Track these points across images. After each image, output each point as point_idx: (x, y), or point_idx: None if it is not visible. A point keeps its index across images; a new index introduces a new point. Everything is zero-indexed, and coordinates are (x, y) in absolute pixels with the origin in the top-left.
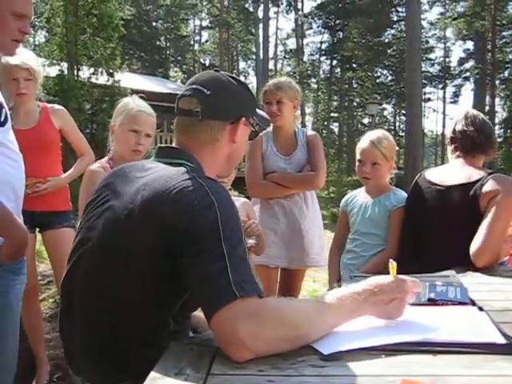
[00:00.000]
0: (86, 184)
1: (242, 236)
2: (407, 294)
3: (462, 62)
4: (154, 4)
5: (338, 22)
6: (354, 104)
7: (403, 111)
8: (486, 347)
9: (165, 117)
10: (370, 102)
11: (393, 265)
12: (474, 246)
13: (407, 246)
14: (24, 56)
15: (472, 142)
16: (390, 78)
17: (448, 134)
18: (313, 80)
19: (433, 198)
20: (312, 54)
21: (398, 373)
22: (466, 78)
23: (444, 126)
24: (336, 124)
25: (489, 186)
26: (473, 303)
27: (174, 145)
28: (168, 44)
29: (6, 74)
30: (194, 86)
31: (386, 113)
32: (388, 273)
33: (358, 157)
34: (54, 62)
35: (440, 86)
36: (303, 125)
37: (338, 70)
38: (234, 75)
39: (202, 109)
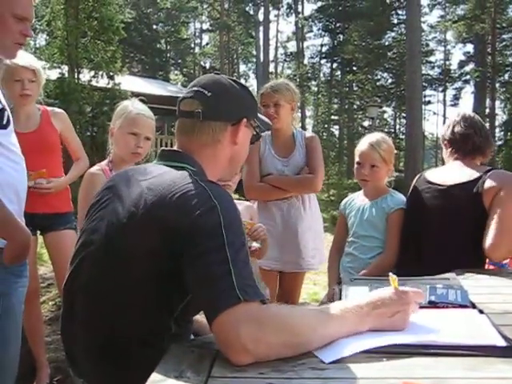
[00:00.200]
0: (85, 186)
1: (245, 240)
2: (410, 306)
3: (462, 64)
4: (154, 7)
5: (338, 24)
6: (355, 107)
7: (403, 114)
8: (487, 350)
9: (165, 119)
10: (370, 104)
11: (393, 278)
12: (489, 240)
13: (408, 248)
14: (27, 57)
15: (473, 144)
16: (390, 80)
17: (445, 135)
18: (313, 83)
19: (434, 198)
20: (312, 57)
21: (399, 375)
22: (466, 81)
23: None
24: (336, 127)
25: (491, 182)
26: (473, 306)
27: (175, 147)
28: (168, 47)
29: (10, 74)
30: (195, 89)
31: (386, 115)
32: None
33: (356, 159)
34: (55, 64)
35: (440, 89)
36: (303, 128)
37: (339, 72)
38: (235, 78)
39: (204, 110)
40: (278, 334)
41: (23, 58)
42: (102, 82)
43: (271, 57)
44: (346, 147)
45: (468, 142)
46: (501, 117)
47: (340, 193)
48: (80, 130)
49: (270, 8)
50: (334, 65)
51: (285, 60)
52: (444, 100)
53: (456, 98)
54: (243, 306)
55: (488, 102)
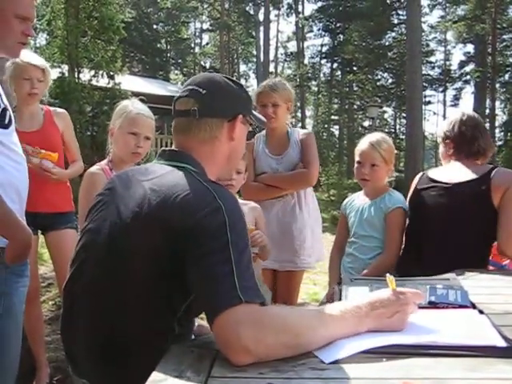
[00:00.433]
0: (85, 186)
1: (248, 242)
2: (409, 306)
3: (462, 65)
4: (154, 7)
5: (338, 24)
6: (355, 107)
7: (404, 114)
8: (487, 350)
9: (165, 119)
10: (370, 104)
11: (390, 279)
12: (503, 237)
13: (412, 247)
14: (37, 57)
15: (478, 146)
16: (390, 80)
17: (447, 133)
18: (313, 83)
19: (440, 196)
20: (312, 57)
21: (399, 376)
22: (467, 81)
23: None
24: (336, 127)
25: (499, 179)
26: (473, 306)
27: (173, 147)
28: (169, 47)
29: (20, 72)
30: (189, 87)
31: (386, 116)
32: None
33: (357, 158)
34: (55, 64)
35: (440, 89)
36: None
37: (339, 72)
38: (229, 76)
39: (199, 107)
40: (277, 335)
41: (33, 57)
42: (103, 81)
43: (271, 57)
44: (346, 147)
45: (474, 143)
46: (501, 117)
47: (340, 193)
48: (80, 129)
49: (271, 8)
50: (335, 65)
51: (285, 60)
52: (444, 100)
53: (456, 98)
54: (244, 307)
55: (488, 102)
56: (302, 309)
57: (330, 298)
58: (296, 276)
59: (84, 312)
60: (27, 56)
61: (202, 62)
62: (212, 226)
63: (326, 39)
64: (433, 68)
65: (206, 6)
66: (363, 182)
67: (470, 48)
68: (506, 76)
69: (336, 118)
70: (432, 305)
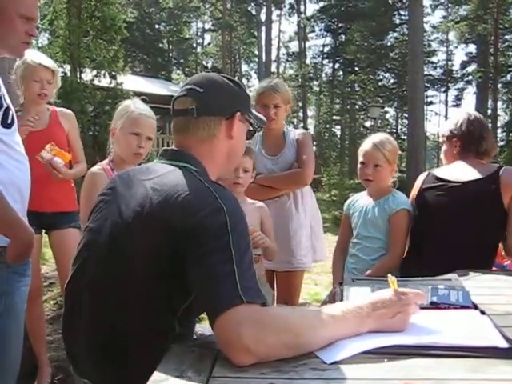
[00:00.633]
0: (87, 186)
1: (250, 242)
2: (410, 306)
3: (464, 65)
4: (156, 6)
5: (340, 25)
6: (356, 107)
7: (405, 114)
8: (488, 351)
9: (167, 119)
10: (372, 105)
11: (392, 279)
12: None
13: (418, 247)
14: (46, 58)
15: (486, 146)
16: (392, 81)
17: (453, 132)
18: (315, 83)
19: (449, 195)
20: (314, 57)
21: (400, 376)
22: (469, 82)
23: None
24: (338, 127)
25: (508, 178)
26: (475, 307)
27: (173, 146)
28: (171, 46)
29: (30, 73)
30: (187, 87)
31: (388, 116)
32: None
33: (360, 159)
34: (57, 64)
35: (442, 90)
36: (305, 128)
37: (341, 72)
38: (227, 75)
39: (197, 106)
40: (278, 335)
41: (43, 58)
42: (104, 81)
43: (273, 57)
44: (347, 147)
45: (482, 143)
46: (503, 117)
47: (341, 193)
48: (82, 129)
49: (273, 8)
50: (336, 65)
51: (287, 60)
52: (446, 100)
53: (458, 98)
54: (245, 307)
55: (490, 102)
56: (303, 309)
57: (333, 297)
58: (295, 276)
59: (85, 311)
60: (38, 57)
61: (204, 62)
62: (213, 226)
63: (328, 39)
64: (435, 68)
65: (207, 5)
66: (366, 182)
67: (472, 48)
68: (508, 76)
69: (338, 118)
70: (433, 305)
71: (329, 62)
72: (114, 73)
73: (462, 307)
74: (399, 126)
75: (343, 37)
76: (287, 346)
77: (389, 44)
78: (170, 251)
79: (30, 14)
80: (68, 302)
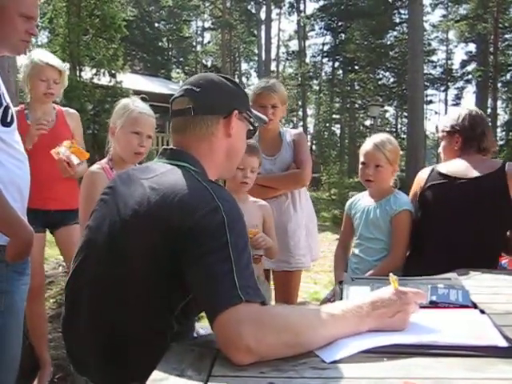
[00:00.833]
0: (86, 185)
1: (248, 241)
2: (410, 306)
3: (464, 64)
4: (156, 5)
5: (340, 23)
6: (356, 106)
7: (405, 113)
8: (488, 350)
9: (166, 118)
10: (371, 104)
11: (393, 278)
12: None
13: (420, 246)
14: (54, 58)
15: (487, 141)
16: (392, 80)
17: (455, 127)
18: (315, 82)
19: (458, 192)
20: (314, 56)
21: (400, 375)
22: (468, 81)
23: None
24: (338, 126)
25: None
26: (474, 306)
27: (173, 146)
28: (170, 45)
29: (37, 72)
30: (184, 87)
31: (387, 115)
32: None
33: (361, 159)
34: None
35: (442, 89)
36: (305, 127)
37: (340, 71)
38: (225, 75)
39: (194, 105)
40: (278, 334)
41: (51, 57)
42: (104, 79)
43: (273, 55)
44: (347, 146)
45: (483, 139)
46: (502, 116)
47: (341, 192)
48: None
49: (272, 6)
50: (336, 64)
51: (286, 59)
52: (446, 99)
53: (458, 97)
54: (244, 306)
55: (490, 101)
56: (303, 308)
57: (332, 297)
58: (293, 276)
59: (84, 310)
60: (45, 56)
61: (204, 61)
62: (211, 225)
63: (328, 38)
64: (434, 67)
65: (207, 4)
66: (368, 182)
67: (472, 47)
68: (508, 75)
69: (337, 116)
70: (433, 304)
71: (328, 61)
72: (113, 71)
73: (462, 306)
74: (399, 125)
75: (343, 35)
76: (287, 345)
77: (389, 43)
78: (169, 251)
79: (30, 12)
80: (68, 301)
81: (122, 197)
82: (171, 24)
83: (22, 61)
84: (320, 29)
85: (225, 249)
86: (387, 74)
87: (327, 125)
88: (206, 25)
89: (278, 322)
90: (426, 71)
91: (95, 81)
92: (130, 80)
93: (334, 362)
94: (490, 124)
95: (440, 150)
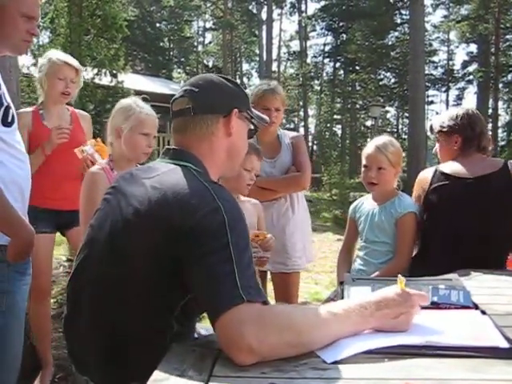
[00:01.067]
0: (87, 185)
1: (249, 241)
2: (414, 308)
3: (465, 64)
4: (157, 5)
5: (341, 24)
6: (357, 106)
7: (406, 114)
8: (489, 351)
9: (167, 118)
10: (372, 104)
11: (401, 279)
12: None
13: (426, 247)
14: (71, 58)
15: (485, 141)
16: (393, 80)
17: (454, 127)
18: (316, 82)
19: (465, 191)
20: (315, 56)
21: (401, 376)
22: (470, 81)
23: None
24: (339, 126)
25: None
26: (476, 307)
27: (175, 146)
28: (171, 45)
29: (54, 71)
30: (184, 88)
31: (388, 115)
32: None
33: (363, 162)
34: None
35: (443, 89)
36: (306, 127)
37: (342, 72)
38: (225, 76)
39: (193, 105)
40: (281, 334)
41: (68, 57)
42: (105, 79)
43: (274, 56)
44: (348, 147)
45: (482, 138)
46: (503, 117)
47: (342, 192)
48: None
49: (274, 7)
50: (337, 64)
51: (288, 59)
52: (447, 100)
53: (459, 98)
54: (246, 306)
55: (491, 102)
56: (306, 307)
57: (334, 298)
58: (291, 277)
59: (85, 310)
60: (63, 56)
61: (205, 61)
62: (212, 226)
63: (329, 38)
64: (436, 68)
65: (209, 4)
66: (371, 185)
67: (473, 48)
68: (509, 76)
69: (338, 117)
70: (434, 305)
71: (330, 61)
72: (114, 71)
73: (463, 307)
74: (400, 126)
75: (344, 36)
76: (290, 345)
77: (390, 43)
78: (170, 250)
79: (32, 12)
80: (70, 301)
81: (125, 196)
82: (172, 24)
83: (23, 61)
84: (321, 29)
85: (226, 249)
86: (388, 74)
87: (328, 125)
88: (208, 25)
89: (281, 321)
90: (427, 72)
91: (96, 81)
92: (131, 80)
93: (335, 362)
94: (490, 126)
95: (436, 150)
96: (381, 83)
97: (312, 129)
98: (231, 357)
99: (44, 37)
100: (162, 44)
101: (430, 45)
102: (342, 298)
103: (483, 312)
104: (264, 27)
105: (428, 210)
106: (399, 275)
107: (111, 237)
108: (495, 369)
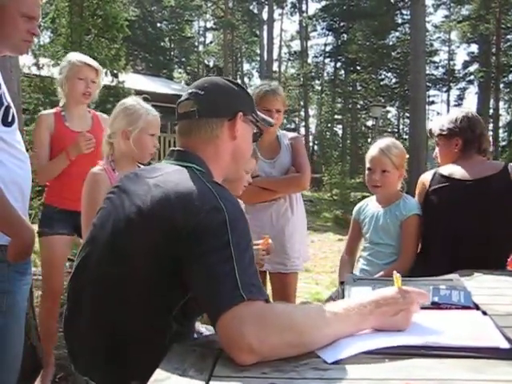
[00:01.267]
0: (89, 186)
1: (251, 241)
2: (413, 305)
3: (466, 65)
4: (158, 5)
5: (342, 24)
6: (358, 106)
7: (407, 114)
8: (490, 352)
9: (168, 118)
10: (373, 104)
11: (397, 276)
12: None
13: (425, 248)
14: (90, 59)
15: (486, 143)
16: (394, 80)
17: (454, 130)
18: (317, 82)
19: (463, 194)
20: (316, 56)
21: (401, 376)
22: (470, 81)
23: None
24: (340, 126)
25: None
26: (476, 307)
27: (179, 148)
28: (172, 45)
29: (74, 72)
30: (189, 91)
31: (389, 115)
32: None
33: (367, 165)
34: (59, 62)
35: (444, 89)
36: (307, 127)
37: (342, 72)
38: (230, 79)
39: (198, 108)
40: (282, 334)
41: (87, 58)
42: (106, 79)
43: (275, 56)
44: (349, 147)
45: (483, 140)
46: (504, 117)
47: (343, 192)
48: None
49: (274, 7)
50: (338, 64)
51: (288, 59)
52: (448, 100)
53: (460, 98)
54: (247, 305)
55: (492, 102)
56: (306, 307)
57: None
58: (289, 278)
59: (85, 310)
60: (83, 57)
61: (206, 61)
62: (213, 225)
63: (330, 38)
64: (437, 68)
65: (209, 4)
66: (375, 188)
67: (474, 48)
68: (510, 76)
69: (339, 117)
70: (435, 305)
71: (330, 61)
72: (115, 71)
73: (464, 308)
74: (401, 126)
75: (345, 36)
76: (291, 345)
77: (391, 43)
78: (170, 250)
79: (32, 12)
80: (70, 300)
81: (128, 195)
82: (173, 24)
83: (24, 60)
84: (322, 29)
85: (226, 248)
86: (389, 74)
87: (329, 125)
88: (208, 25)
89: (282, 321)
90: (428, 72)
91: None
92: (132, 80)
93: (336, 362)
94: (491, 126)
95: (436, 153)
96: (382, 83)
97: (313, 129)
98: (232, 356)
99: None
100: (162, 44)
101: (431, 45)
102: (343, 298)
103: (484, 312)
104: (265, 27)
105: (427, 211)
106: (394, 272)
107: (113, 236)
108: (496, 369)
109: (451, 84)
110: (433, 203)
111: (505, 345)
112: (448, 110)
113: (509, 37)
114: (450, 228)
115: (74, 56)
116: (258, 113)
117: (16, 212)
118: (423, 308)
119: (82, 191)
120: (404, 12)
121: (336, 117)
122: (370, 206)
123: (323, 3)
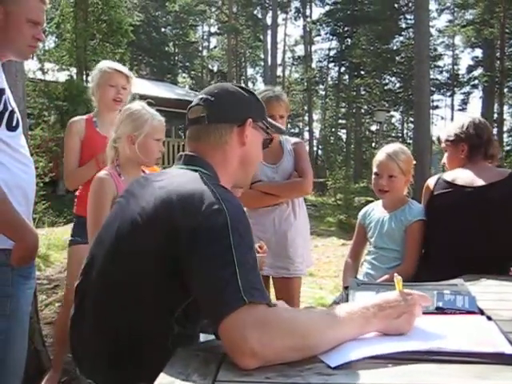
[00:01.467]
0: (95, 191)
1: (253, 244)
2: (415, 308)
3: (470, 69)
4: (162, 10)
5: (346, 28)
6: (362, 111)
7: (411, 118)
8: (495, 357)
9: (172, 122)
10: (377, 109)
11: (398, 279)
12: None
13: (431, 254)
14: (121, 65)
15: (493, 149)
16: (398, 85)
17: (460, 135)
18: (321, 87)
19: (465, 200)
20: (320, 61)
21: (405, 382)
22: (475, 86)
23: None
24: (344, 131)
25: None
26: (481, 312)
27: (188, 152)
28: (176, 50)
29: (105, 79)
30: (200, 97)
31: (393, 120)
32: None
33: (374, 170)
34: (64, 67)
35: (448, 94)
36: (311, 132)
37: (346, 76)
38: (241, 85)
39: (208, 114)
40: (285, 338)
41: (118, 65)
42: None
43: (279, 60)
44: (353, 151)
45: (490, 146)
46: (509, 122)
47: (347, 197)
48: None
49: (278, 12)
50: (342, 69)
51: (292, 64)
52: (452, 105)
53: (464, 102)
54: (249, 309)
55: (496, 107)
56: (309, 310)
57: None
58: (293, 283)
59: (88, 313)
60: (113, 64)
61: (210, 66)
62: (214, 227)
63: (334, 43)
64: (441, 72)
65: (213, 9)
66: (381, 193)
67: (479, 52)
68: None
69: (343, 122)
70: (439, 310)
71: (334, 66)
72: None
73: (468, 313)
74: (405, 130)
75: (349, 41)
76: (294, 349)
77: (395, 48)
78: (171, 250)
79: (37, 18)
80: (76, 300)
81: (135, 197)
82: (177, 29)
83: (29, 65)
84: (326, 34)
85: (228, 251)
86: (393, 79)
87: (333, 130)
88: (212, 30)
89: (285, 325)
90: (432, 76)
91: None
92: (136, 84)
93: (339, 366)
94: (496, 131)
95: (444, 160)
96: (386, 88)
97: (317, 133)
98: (235, 361)
99: (50, 42)
100: (167, 49)
101: (435, 49)
102: (347, 302)
103: (489, 317)
104: (269, 32)
105: (431, 215)
106: (395, 274)
107: (117, 238)
108: (500, 375)
109: (455, 88)
110: (436, 208)
111: (509, 350)
112: (452, 115)
113: None
114: (451, 233)
115: (105, 64)
116: (269, 119)
117: (20, 216)
118: (427, 313)
119: (88, 196)
120: (408, 17)
121: (340, 121)
122: (376, 210)
123: (327, 8)
